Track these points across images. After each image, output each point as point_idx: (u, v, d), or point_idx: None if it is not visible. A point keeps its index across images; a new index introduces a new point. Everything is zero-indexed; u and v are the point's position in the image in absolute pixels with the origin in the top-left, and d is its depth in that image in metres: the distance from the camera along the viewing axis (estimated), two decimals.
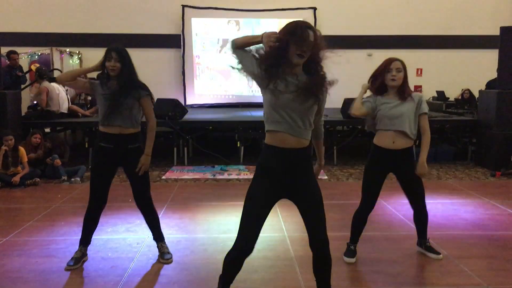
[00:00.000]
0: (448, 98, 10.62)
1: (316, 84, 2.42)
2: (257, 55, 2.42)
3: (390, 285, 3.16)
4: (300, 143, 2.42)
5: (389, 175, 3.50)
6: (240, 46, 2.45)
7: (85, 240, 3.52)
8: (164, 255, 3.58)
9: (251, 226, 2.43)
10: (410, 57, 10.64)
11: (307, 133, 2.45)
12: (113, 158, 3.40)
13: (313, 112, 2.46)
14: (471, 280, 3.24)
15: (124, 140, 3.38)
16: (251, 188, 2.48)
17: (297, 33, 2.30)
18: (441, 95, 10.55)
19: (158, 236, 3.67)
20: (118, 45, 3.35)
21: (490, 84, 9.00)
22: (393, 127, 3.33)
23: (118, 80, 3.33)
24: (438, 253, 3.60)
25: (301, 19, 2.42)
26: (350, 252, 3.60)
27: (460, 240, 4.03)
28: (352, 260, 3.55)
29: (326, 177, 6.68)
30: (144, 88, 3.44)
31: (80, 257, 3.47)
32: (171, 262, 3.54)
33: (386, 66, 3.33)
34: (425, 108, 3.38)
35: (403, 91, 3.35)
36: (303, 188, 2.48)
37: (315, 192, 2.49)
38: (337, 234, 4.03)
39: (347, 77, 10.72)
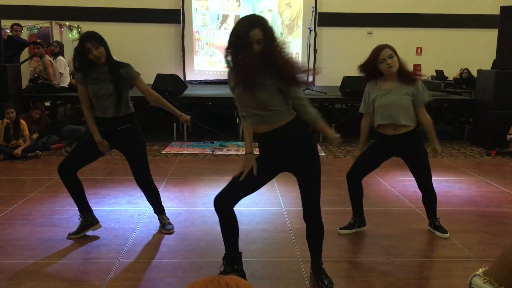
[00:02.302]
0: (447, 77, 10.65)
1: (251, 72, 2.44)
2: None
3: (383, 256, 3.27)
4: (275, 125, 2.54)
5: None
6: None
7: (80, 207, 3.52)
8: (165, 226, 3.69)
9: (233, 188, 2.66)
10: (410, 36, 10.73)
11: (276, 115, 2.52)
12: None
13: (271, 97, 2.48)
14: (461, 253, 3.36)
15: (114, 123, 3.36)
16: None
17: (238, 41, 2.40)
18: (440, 74, 10.58)
19: (158, 210, 3.76)
20: (87, 33, 3.27)
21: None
22: (389, 121, 3.37)
23: (107, 65, 3.30)
24: (445, 232, 3.64)
25: (248, 15, 2.50)
26: (349, 225, 3.71)
27: (453, 215, 4.14)
28: (343, 231, 3.67)
29: (323, 154, 6.77)
30: (128, 66, 3.38)
31: (81, 227, 3.52)
32: (172, 232, 3.65)
33: (377, 57, 3.33)
34: (424, 98, 3.39)
35: (404, 74, 3.36)
36: (297, 163, 2.61)
37: (311, 167, 2.62)
38: (333, 209, 4.15)
39: (346, 55, 10.85)
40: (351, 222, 3.72)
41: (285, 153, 2.60)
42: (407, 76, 3.37)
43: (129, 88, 3.44)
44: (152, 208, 3.79)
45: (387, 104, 3.35)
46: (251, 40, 2.39)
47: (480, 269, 1.20)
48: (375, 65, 3.36)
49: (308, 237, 2.81)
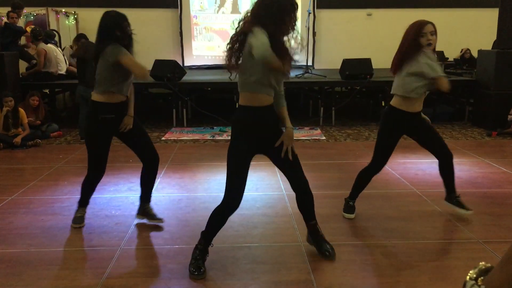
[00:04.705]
0: (448, 58, 10.57)
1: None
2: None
3: (385, 239, 3.28)
4: (270, 100, 2.70)
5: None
6: None
7: (85, 202, 3.52)
8: (156, 216, 3.55)
9: (238, 185, 2.65)
10: (410, 17, 10.49)
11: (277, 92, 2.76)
12: (114, 128, 3.34)
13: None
14: (463, 234, 3.36)
15: (124, 108, 3.34)
16: (234, 147, 2.67)
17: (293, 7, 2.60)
18: (440, 55, 10.49)
19: (149, 196, 3.60)
20: (116, 11, 3.27)
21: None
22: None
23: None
24: (469, 209, 3.59)
25: None
26: (350, 208, 3.69)
27: None
28: (352, 216, 3.66)
29: (324, 138, 6.75)
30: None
31: (83, 216, 3.54)
32: (163, 221, 3.54)
33: (419, 30, 3.27)
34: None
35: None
36: (274, 139, 2.73)
37: (291, 154, 2.76)
38: (334, 192, 4.14)
39: (346, 37, 10.75)
40: (351, 204, 3.71)
41: (270, 130, 2.73)
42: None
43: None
44: (152, 195, 3.64)
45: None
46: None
47: (480, 278, 1.10)
48: (417, 38, 3.28)
49: (305, 205, 2.94)
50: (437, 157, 3.55)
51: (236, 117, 2.71)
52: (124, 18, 3.26)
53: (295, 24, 2.60)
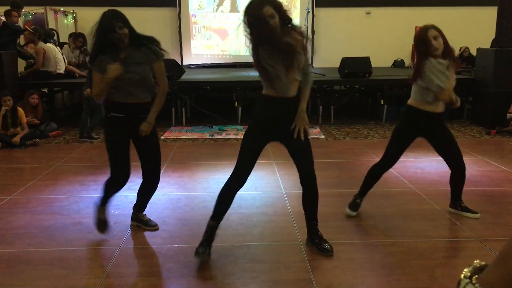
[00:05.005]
0: None
1: None
2: None
3: (384, 238, 3.28)
4: (295, 93, 2.84)
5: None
6: None
7: (103, 202, 3.32)
8: (149, 222, 3.47)
9: (248, 162, 2.84)
10: (409, 15, 10.61)
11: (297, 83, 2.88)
12: (127, 130, 3.15)
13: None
14: (462, 233, 3.37)
15: (138, 110, 3.14)
16: (250, 130, 2.89)
17: (256, 22, 2.67)
18: None
19: (144, 207, 3.51)
20: (112, 11, 3.08)
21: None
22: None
23: (131, 46, 3.11)
24: (476, 212, 3.62)
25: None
26: (355, 205, 3.67)
27: None
28: (353, 213, 3.65)
29: (323, 136, 6.75)
30: (155, 46, 3.26)
31: (105, 218, 3.33)
32: (158, 228, 3.45)
33: (423, 39, 3.28)
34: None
35: (447, 54, 3.31)
36: (291, 132, 2.85)
37: (306, 133, 2.90)
38: (334, 191, 4.14)
39: (345, 35, 10.75)
40: (358, 202, 3.69)
41: (290, 120, 2.83)
42: (450, 54, 3.36)
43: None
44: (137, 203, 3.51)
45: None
46: (263, 16, 2.61)
47: (474, 276, 1.09)
48: (426, 47, 3.27)
49: (309, 201, 3.02)
50: (451, 169, 3.58)
51: (258, 104, 2.87)
52: (115, 17, 3.03)
53: (268, 32, 2.62)
